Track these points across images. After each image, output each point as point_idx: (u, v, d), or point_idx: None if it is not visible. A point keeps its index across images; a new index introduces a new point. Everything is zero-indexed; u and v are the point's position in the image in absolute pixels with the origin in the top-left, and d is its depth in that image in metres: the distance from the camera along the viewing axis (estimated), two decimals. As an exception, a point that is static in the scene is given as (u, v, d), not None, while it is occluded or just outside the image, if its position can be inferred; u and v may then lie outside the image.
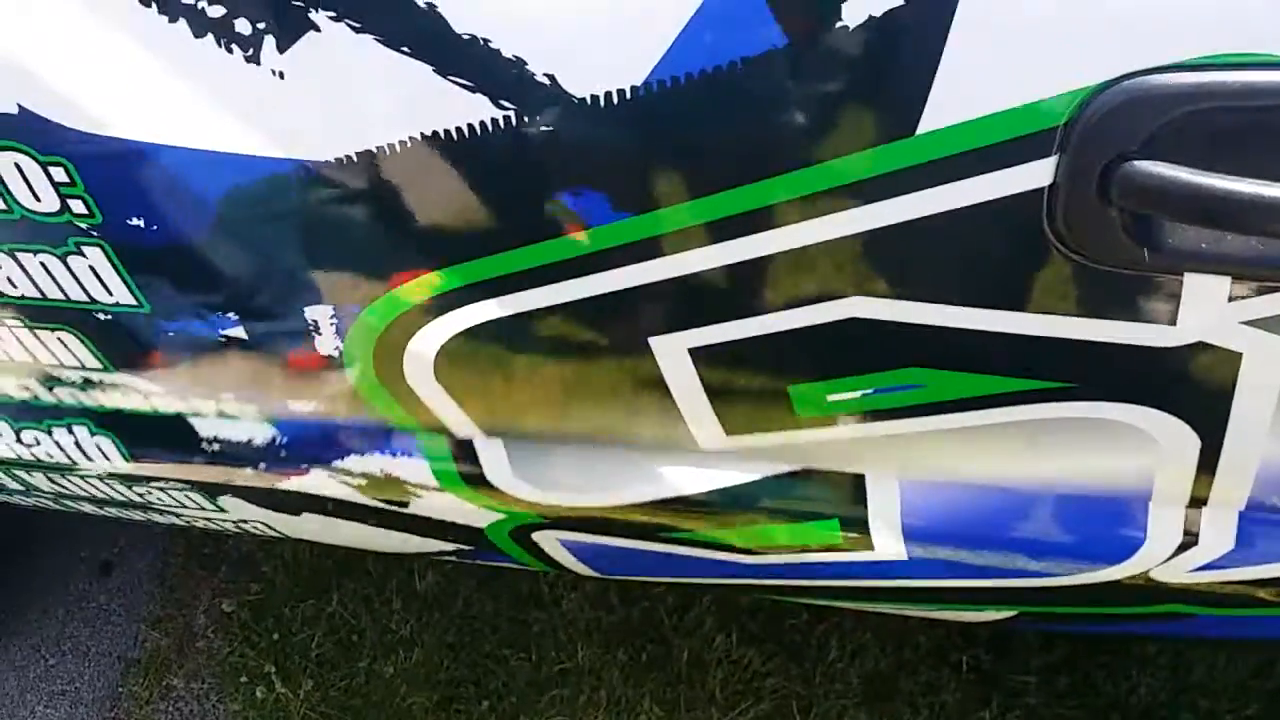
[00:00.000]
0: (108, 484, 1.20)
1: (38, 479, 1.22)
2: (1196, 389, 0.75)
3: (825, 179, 0.67)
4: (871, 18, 0.60)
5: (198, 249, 0.83)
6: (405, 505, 1.10)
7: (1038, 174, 0.63)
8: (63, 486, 1.23)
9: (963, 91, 0.61)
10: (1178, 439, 0.79)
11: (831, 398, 0.83)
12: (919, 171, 0.65)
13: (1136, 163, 0.61)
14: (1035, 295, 0.71)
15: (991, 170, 0.64)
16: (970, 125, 0.62)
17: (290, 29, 0.67)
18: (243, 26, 0.68)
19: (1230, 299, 0.68)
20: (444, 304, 0.82)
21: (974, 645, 1.64)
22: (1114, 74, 0.59)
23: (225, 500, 1.19)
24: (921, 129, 0.63)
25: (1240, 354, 0.71)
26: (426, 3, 0.64)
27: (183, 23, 0.68)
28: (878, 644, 1.66)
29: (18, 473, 1.21)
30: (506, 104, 0.67)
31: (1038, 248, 0.67)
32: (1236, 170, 0.60)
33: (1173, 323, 0.70)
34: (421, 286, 0.81)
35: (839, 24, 0.60)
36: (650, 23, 0.63)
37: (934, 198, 0.66)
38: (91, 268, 0.86)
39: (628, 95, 0.65)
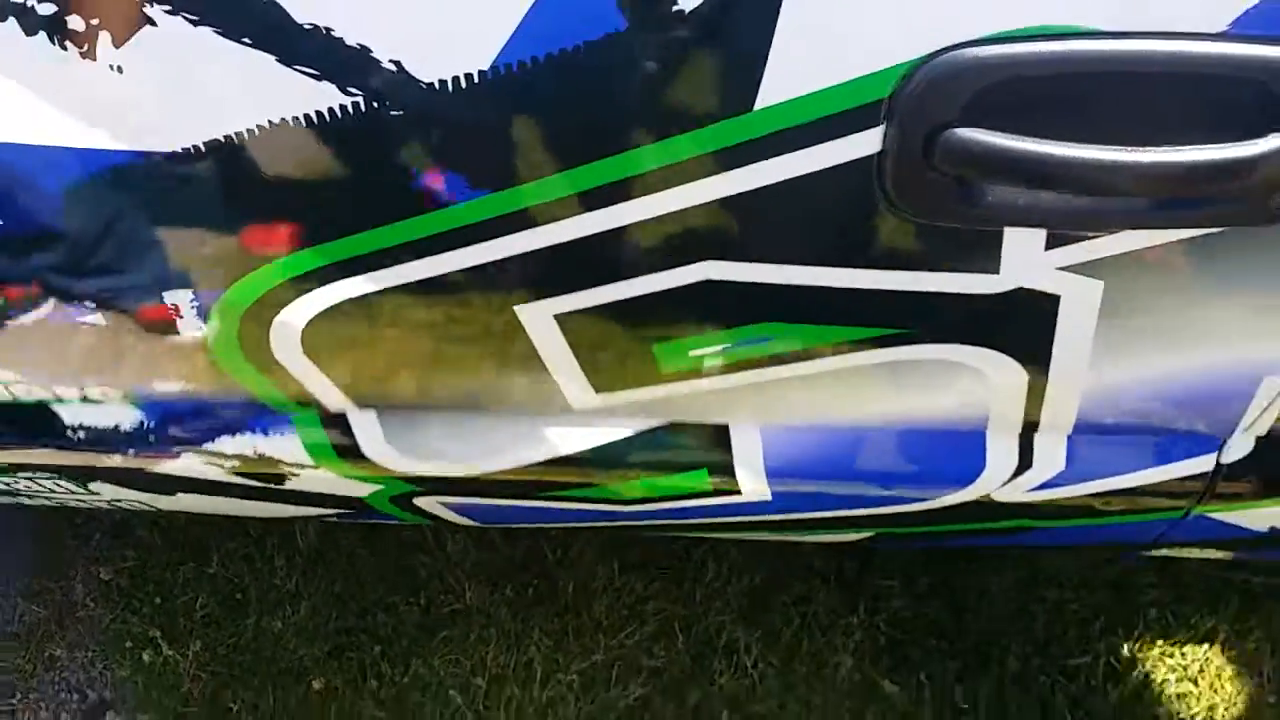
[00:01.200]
0: (-30, 474, 1.18)
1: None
2: (1021, 329, 0.81)
3: (671, 154, 0.70)
4: (705, 2, 0.62)
5: (46, 242, 0.81)
6: (281, 482, 1.11)
7: (868, 142, 0.67)
8: (-81, 478, 1.20)
9: (794, 69, 0.64)
10: (1007, 375, 0.85)
11: (692, 353, 0.87)
12: (759, 144, 0.68)
13: (956, 130, 0.65)
14: (871, 252, 0.76)
15: (825, 141, 0.68)
16: (802, 100, 0.66)
17: (125, 24, 0.66)
18: (75, 23, 0.66)
19: (1046, 247, 0.74)
20: (309, 282, 0.82)
21: (841, 554, 1.74)
22: (932, 49, 0.63)
23: (96, 485, 1.17)
24: (758, 105, 0.66)
25: (1058, 296, 0.77)
26: (265, -5, 0.64)
27: (12, 21, 0.67)
28: (752, 562, 1.74)
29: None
30: (354, 90, 0.68)
31: (871, 209, 0.71)
32: (1045, 132, 0.65)
33: (996, 271, 0.75)
34: (284, 266, 0.81)
35: (675, 8, 0.63)
36: (495, 8, 0.64)
37: (774, 167, 0.69)
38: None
39: (475, 79, 0.66)
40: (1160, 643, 1.66)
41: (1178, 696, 1.61)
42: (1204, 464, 0.97)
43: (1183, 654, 1.65)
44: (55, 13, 0.66)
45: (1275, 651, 1.63)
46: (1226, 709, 1.59)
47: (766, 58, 0.64)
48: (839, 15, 0.63)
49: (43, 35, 0.67)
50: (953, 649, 1.66)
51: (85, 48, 0.67)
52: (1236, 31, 0.61)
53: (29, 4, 0.66)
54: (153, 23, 0.66)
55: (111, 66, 0.68)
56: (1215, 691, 1.61)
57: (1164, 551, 1.26)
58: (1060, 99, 0.65)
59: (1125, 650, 1.65)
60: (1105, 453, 0.97)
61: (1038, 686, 1.62)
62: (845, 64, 0.64)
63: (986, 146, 0.64)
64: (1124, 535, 1.12)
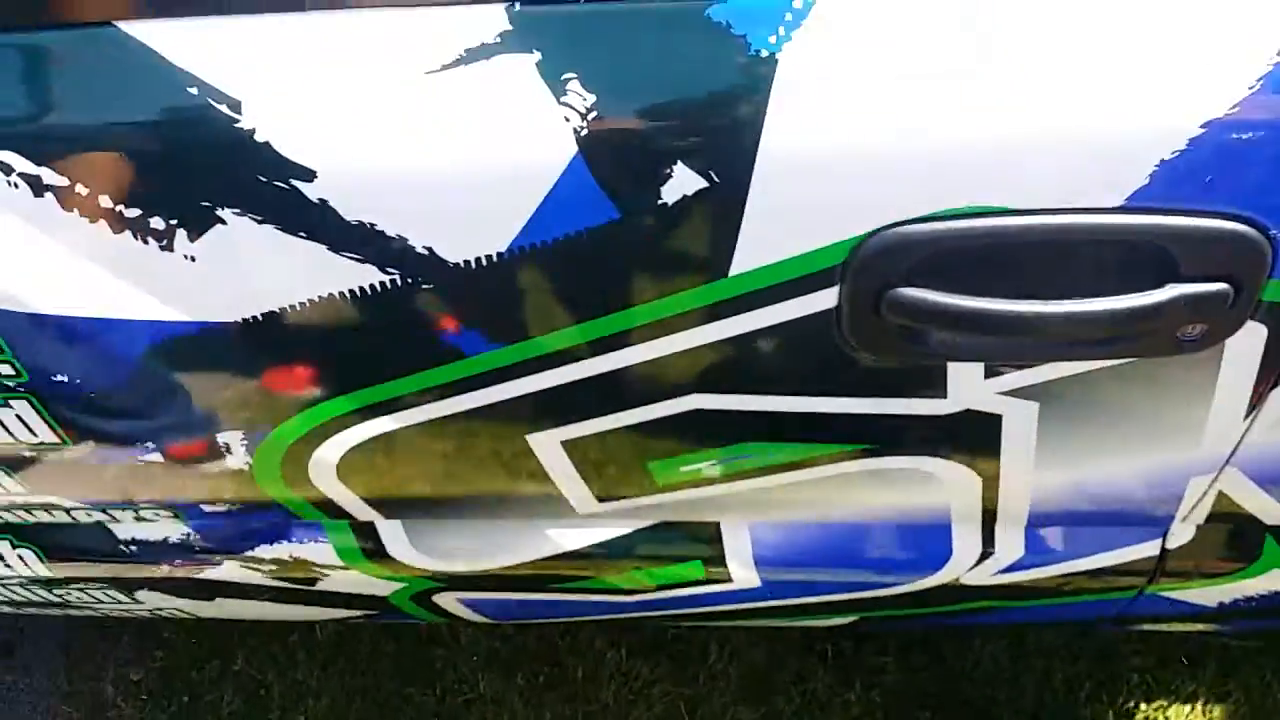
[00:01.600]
0: (28, 589, 1.28)
1: (-42, 590, 1.29)
2: (970, 442, 0.93)
3: (661, 311, 0.82)
4: (685, 196, 0.75)
5: (119, 398, 0.93)
6: (313, 584, 1.21)
7: (828, 298, 0.79)
8: (-18, 594, 1.31)
9: (761, 244, 0.76)
10: (963, 479, 0.97)
11: (683, 469, 0.99)
12: (735, 301, 0.80)
13: (900, 289, 0.77)
14: (836, 383, 0.88)
15: (790, 298, 0.79)
16: (770, 267, 0.78)
17: (199, 223, 0.79)
18: (157, 223, 0.79)
19: (986, 376, 0.86)
20: (346, 422, 0.94)
21: (838, 635, 1.82)
22: (877, 225, 0.75)
23: (141, 594, 1.28)
24: (733, 271, 0.78)
25: (1000, 415, 0.89)
26: (319, 199, 0.76)
27: (103, 223, 0.79)
28: (751, 644, 1.83)
29: (-61, 586, 1.28)
30: (392, 270, 0.80)
31: (834, 349, 0.83)
32: (975, 288, 0.77)
33: (944, 396, 0.87)
34: (325, 409, 0.93)
35: (660, 202, 0.75)
36: (510, 204, 0.76)
37: (749, 319, 0.81)
38: (18, 417, 0.95)
39: (494, 259, 0.79)
40: (1144, 706, 1.74)
41: (1161, 759, 1.69)
42: (1151, 549, 1.08)
43: (1166, 717, 1.73)
44: (140, 215, 0.79)
45: (1254, 713, 1.72)
46: (1207, 770, 1.67)
47: (738, 235, 0.76)
48: (797, 199, 0.75)
49: (127, 232, 0.80)
50: (947, 718, 1.74)
51: (164, 242, 0.80)
52: (1132, 205, 0.73)
53: (117, 209, 0.78)
54: (224, 222, 0.78)
55: (186, 256, 0.80)
56: (1196, 754, 1.69)
57: (1132, 627, 1.36)
58: (990, 262, 0.77)
59: (1111, 716, 1.73)
60: (1060, 540, 1.08)
61: (1027, 753, 1.71)
62: (804, 239, 0.76)
63: (925, 302, 0.76)
64: (1084, 612, 1.22)
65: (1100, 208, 0.74)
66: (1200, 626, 1.33)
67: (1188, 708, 1.73)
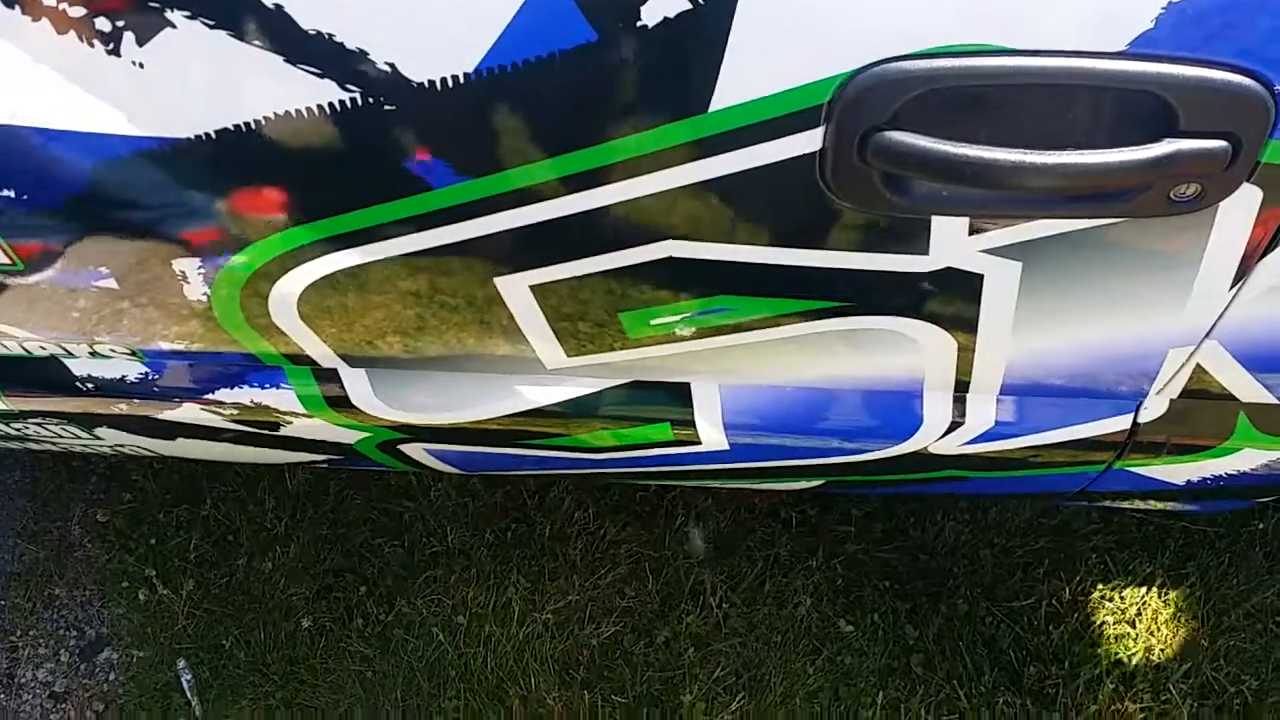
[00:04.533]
0: (-15, 421, 1.26)
1: (-88, 419, 1.27)
2: (949, 303, 0.90)
3: (636, 148, 0.78)
4: (666, 19, 0.70)
5: (69, 215, 0.89)
6: (276, 429, 1.19)
7: (810, 140, 0.76)
8: (-64, 425, 1.28)
9: (744, 77, 0.72)
10: (938, 343, 0.95)
11: (654, 321, 0.96)
12: (714, 140, 0.76)
13: (886, 132, 0.73)
14: (815, 234, 0.84)
15: (773, 138, 0.76)
16: (751, 104, 0.74)
17: (147, 26, 0.74)
18: (103, 24, 0.74)
19: (970, 233, 0.83)
20: (305, 254, 0.90)
21: (802, 502, 1.84)
22: (864, 61, 0.71)
23: (101, 431, 1.26)
24: (713, 107, 0.74)
25: (981, 275, 0.86)
26: (274, 3, 0.71)
27: (46, 21, 0.74)
28: (718, 508, 1.84)
29: (-109, 415, 1.26)
30: (351, 87, 0.76)
31: (815, 197, 0.80)
32: (965, 134, 0.74)
33: (925, 253, 0.84)
34: (283, 239, 0.89)
35: (639, 23, 0.70)
36: (478, 19, 0.72)
37: (728, 161, 0.78)
38: (-37, 234, 0.91)
39: (461, 80, 0.74)
40: (1100, 587, 1.77)
41: (1116, 638, 1.72)
42: (1122, 423, 1.07)
43: (1121, 598, 1.76)
44: (84, 14, 0.73)
45: (1210, 596, 1.74)
46: (1162, 650, 1.70)
47: (720, 67, 0.72)
48: (783, 32, 0.71)
49: (72, 33, 0.75)
50: (904, 591, 1.77)
51: (111, 46, 0.75)
52: (1134, 50, 0.70)
53: (61, 7, 0.73)
54: (173, 25, 0.73)
55: (134, 63, 0.75)
56: (1152, 634, 1.72)
57: (1095, 504, 1.37)
58: (980, 106, 0.73)
59: (1067, 594, 1.76)
60: (1030, 411, 1.07)
61: (984, 627, 1.73)
62: (790, 73, 0.72)
63: (912, 147, 0.73)
64: (1051, 485, 1.22)
65: (1099, 51, 0.70)
66: (1164, 505, 1.34)
67: (1144, 589, 1.76)
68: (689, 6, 0.69)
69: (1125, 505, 1.37)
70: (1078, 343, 0.95)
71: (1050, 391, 1.03)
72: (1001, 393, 1.04)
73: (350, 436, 1.21)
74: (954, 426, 1.07)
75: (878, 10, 0.70)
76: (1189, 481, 1.19)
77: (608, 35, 0.71)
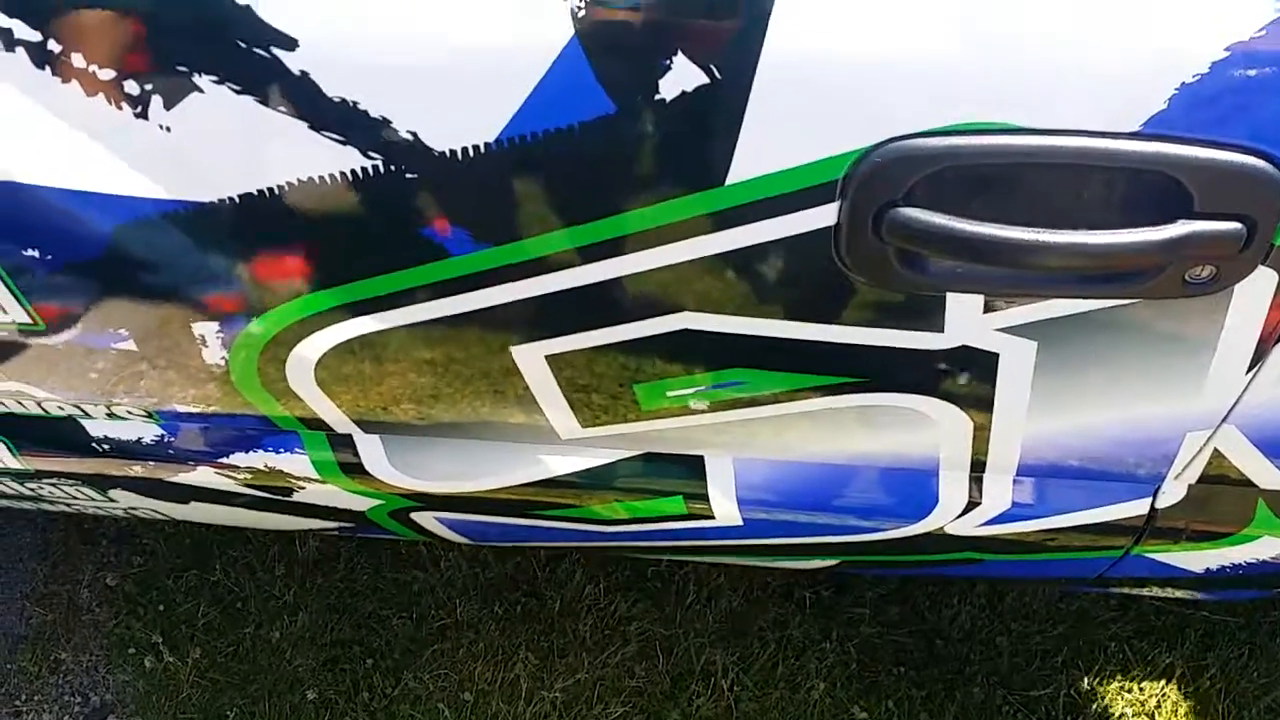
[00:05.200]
0: (0, 481, 1.26)
1: (-72, 477, 1.27)
2: (965, 382, 0.90)
3: (654, 219, 0.79)
4: (684, 92, 0.71)
5: (91, 277, 0.90)
6: (289, 494, 1.19)
7: (826, 215, 0.76)
8: (-48, 483, 1.29)
9: (760, 152, 0.73)
10: (954, 421, 0.94)
11: (669, 394, 0.96)
12: (730, 213, 0.77)
13: (901, 208, 0.74)
14: (830, 309, 0.85)
15: (788, 213, 0.76)
16: (767, 178, 0.75)
17: (175, 90, 0.75)
18: (131, 87, 0.75)
19: (985, 310, 0.83)
20: (324, 320, 0.91)
21: (816, 582, 1.81)
22: (879, 138, 0.72)
23: (115, 493, 1.26)
24: (730, 180, 0.75)
25: (997, 354, 0.86)
26: (300, 71, 0.73)
27: (75, 84, 0.76)
28: (730, 586, 1.82)
29: (-92, 472, 1.26)
30: (374, 155, 0.77)
31: (830, 272, 0.80)
32: (979, 212, 0.74)
33: (940, 330, 0.84)
34: (303, 305, 0.90)
35: (657, 97, 0.72)
36: (500, 90, 0.73)
37: (744, 234, 0.78)
38: (-14, 292, 0.92)
39: (482, 149, 0.75)
40: (1119, 677, 1.73)
41: (1134, 730, 1.68)
42: (1139, 507, 1.06)
43: (1140, 689, 1.72)
44: (114, 77, 0.75)
45: (1229, 689, 1.70)
46: (1180, 743, 1.67)
47: (736, 141, 0.73)
48: (799, 107, 0.72)
49: (101, 95, 0.76)
50: (920, 677, 1.73)
51: (139, 109, 0.76)
52: (1148, 131, 0.70)
53: (90, 69, 0.75)
54: (200, 90, 0.75)
55: (161, 126, 0.77)
56: (1170, 726, 1.68)
57: (1113, 590, 1.34)
58: (994, 184, 0.74)
59: (1085, 684, 1.72)
60: (1048, 493, 1.06)
61: (1001, 717, 1.69)
62: (805, 148, 0.73)
63: (926, 224, 0.73)
64: (1069, 570, 1.20)
65: (1114, 132, 0.70)
66: (1184, 593, 1.31)
67: (1163, 681, 1.72)
68: (706, 81, 0.71)
69: (1144, 592, 1.35)
70: (1094, 424, 0.94)
71: (1067, 473, 1.02)
72: (1018, 473, 1.03)
73: (363, 504, 1.21)
74: (971, 507, 1.06)
75: (892, 87, 0.71)
76: (1208, 569, 1.17)
77: (626, 108, 0.73)
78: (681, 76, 0.71)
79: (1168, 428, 0.94)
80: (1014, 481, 1.05)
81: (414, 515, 1.25)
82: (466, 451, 1.11)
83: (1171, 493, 1.04)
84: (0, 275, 0.91)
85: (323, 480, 1.16)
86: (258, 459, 1.15)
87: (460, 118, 0.75)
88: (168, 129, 0.77)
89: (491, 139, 0.75)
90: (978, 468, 1.02)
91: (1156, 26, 0.67)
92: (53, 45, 0.75)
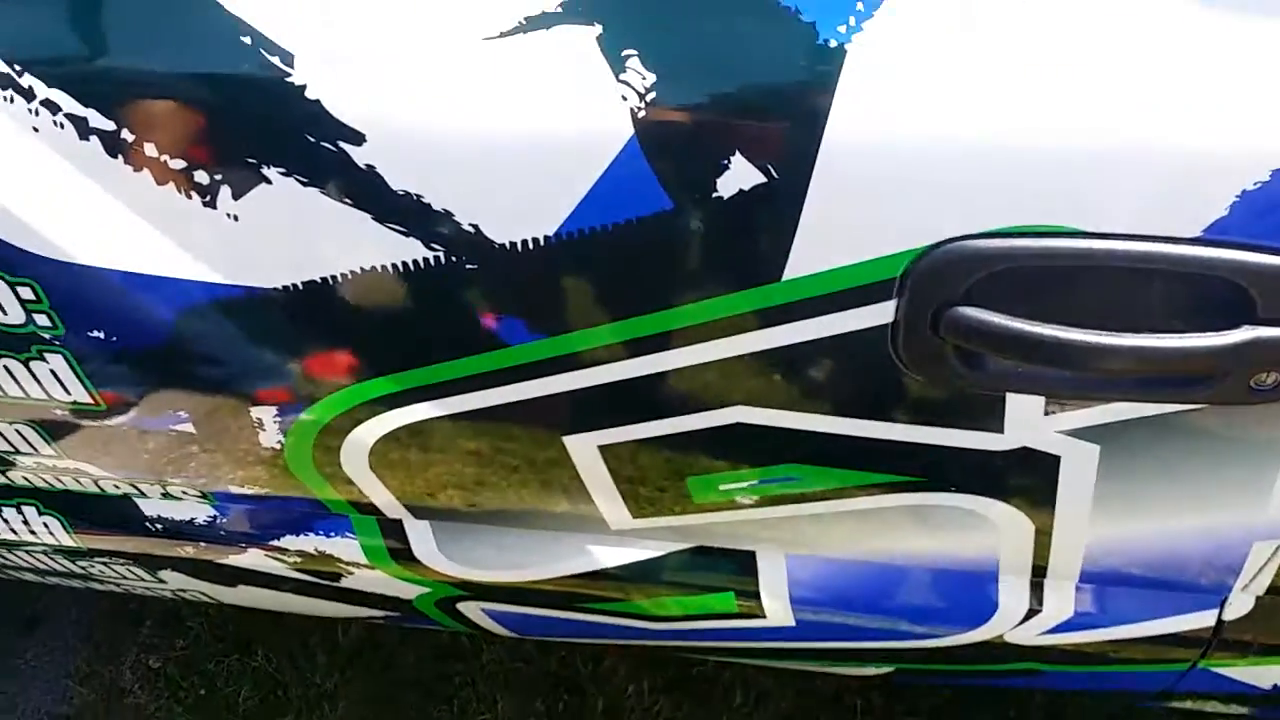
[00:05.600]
0: (52, 558, 1.27)
1: (-18, 552, 1.29)
2: (1025, 484, 0.88)
3: (709, 313, 0.79)
4: (741, 190, 0.72)
5: (154, 360, 0.92)
6: (337, 579, 1.19)
7: (882, 313, 0.76)
8: (7, 558, 1.30)
9: (817, 249, 0.73)
10: (1014, 525, 0.92)
11: (723, 487, 0.95)
12: (786, 309, 0.77)
13: (959, 308, 0.73)
14: (887, 406, 0.84)
15: (844, 309, 0.76)
16: (824, 275, 0.74)
17: (244, 181, 0.77)
18: (201, 177, 0.78)
19: (1046, 412, 0.81)
20: (381, 406, 0.92)
21: (869, 688, 1.76)
22: (938, 237, 0.72)
23: (165, 574, 1.26)
24: (786, 276, 0.75)
25: (1058, 457, 0.84)
26: (366, 164, 0.75)
27: (147, 172, 0.78)
28: (780, 689, 1.77)
29: (-35, 547, 1.28)
30: (436, 246, 0.78)
31: (887, 369, 0.79)
32: (1040, 312, 0.73)
33: (1000, 430, 0.83)
34: (360, 390, 0.91)
35: (714, 194, 0.72)
36: (561, 185, 0.74)
37: (799, 329, 0.78)
38: (52, 371, 0.94)
39: (541, 242, 0.76)
40: (1184, 798, 1.66)
41: None
42: (1206, 619, 1.02)
43: (1206, 811, 1.64)
44: (185, 167, 0.78)
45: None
46: None
47: (793, 237, 0.73)
48: (857, 206, 0.72)
49: (171, 184, 0.79)
50: (973, 790, 1.67)
51: (208, 198, 0.78)
52: (1210, 236, 0.69)
53: (163, 159, 0.78)
54: (269, 181, 0.77)
55: (229, 215, 0.79)
56: None
57: (1176, 704, 1.29)
58: (1054, 285, 0.73)
59: (1148, 805, 1.65)
60: (1111, 602, 1.02)
61: (1057, 835, 1.63)
62: (863, 246, 0.73)
63: (987, 324, 0.73)
64: (1132, 684, 1.16)
65: (1175, 237, 0.70)
66: (1250, 710, 1.26)
67: (1232, 804, 1.63)
68: (764, 180, 0.71)
69: (1209, 709, 1.29)
70: (1158, 531, 0.92)
71: (1131, 582, 0.99)
72: (1080, 581, 1.00)
73: (410, 591, 1.20)
74: (1031, 614, 1.03)
75: (952, 187, 0.71)
76: (1276, 686, 1.12)
77: (684, 204, 0.73)
78: (739, 175, 0.71)
79: (1234, 536, 0.91)
80: (1076, 589, 1.01)
81: (460, 605, 1.24)
82: (515, 540, 1.10)
83: (1239, 604, 1.01)
84: (65, 356, 0.93)
85: (371, 566, 1.16)
86: (308, 542, 1.15)
87: (521, 211, 0.76)
88: (235, 218, 0.79)
89: (551, 232, 0.76)
90: (1038, 573, 0.99)
91: (1218, 132, 0.66)
92: (126, 135, 0.77)
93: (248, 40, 0.73)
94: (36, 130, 0.78)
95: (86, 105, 0.77)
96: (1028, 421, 0.82)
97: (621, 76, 0.70)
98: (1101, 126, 0.67)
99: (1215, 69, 0.67)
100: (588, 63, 0.70)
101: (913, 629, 1.09)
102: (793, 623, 1.11)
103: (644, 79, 0.70)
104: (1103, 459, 0.84)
